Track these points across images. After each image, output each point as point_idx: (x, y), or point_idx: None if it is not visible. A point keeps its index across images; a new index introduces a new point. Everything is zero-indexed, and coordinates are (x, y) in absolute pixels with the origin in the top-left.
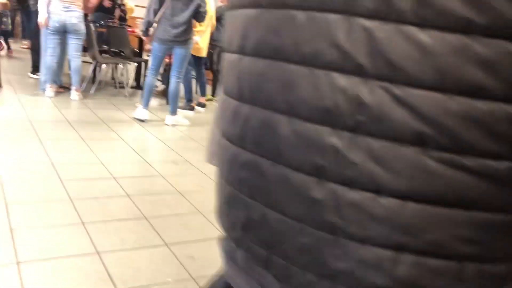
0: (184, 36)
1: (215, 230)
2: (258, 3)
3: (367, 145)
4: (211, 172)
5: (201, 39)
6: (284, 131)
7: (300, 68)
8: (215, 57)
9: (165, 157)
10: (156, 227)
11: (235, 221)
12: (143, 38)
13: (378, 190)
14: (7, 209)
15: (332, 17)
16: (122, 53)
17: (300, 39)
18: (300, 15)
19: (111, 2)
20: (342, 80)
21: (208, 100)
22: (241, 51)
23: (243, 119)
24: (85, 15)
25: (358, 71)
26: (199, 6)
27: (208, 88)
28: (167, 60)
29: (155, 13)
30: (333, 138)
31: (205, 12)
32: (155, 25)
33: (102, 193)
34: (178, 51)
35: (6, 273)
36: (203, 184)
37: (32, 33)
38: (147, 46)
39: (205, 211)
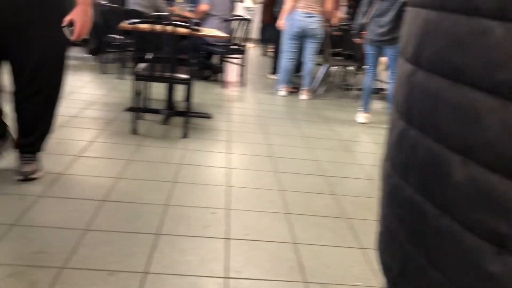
0: (390, 35)
1: None
2: (441, 5)
3: None
4: None
5: None
6: (456, 175)
7: (489, 98)
8: None
9: (379, 161)
10: (355, 229)
11: (392, 264)
12: (355, 40)
13: None
14: (229, 192)
15: None
16: (353, 56)
17: (494, 60)
18: (499, 28)
19: None
20: None
21: None
22: (416, 62)
23: (410, 146)
24: (327, 20)
25: None
26: (404, 4)
27: None
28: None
29: (364, 15)
30: None
31: None
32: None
33: (309, 188)
34: (389, 52)
35: (217, 246)
36: None
37: (274, 38)
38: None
39: None
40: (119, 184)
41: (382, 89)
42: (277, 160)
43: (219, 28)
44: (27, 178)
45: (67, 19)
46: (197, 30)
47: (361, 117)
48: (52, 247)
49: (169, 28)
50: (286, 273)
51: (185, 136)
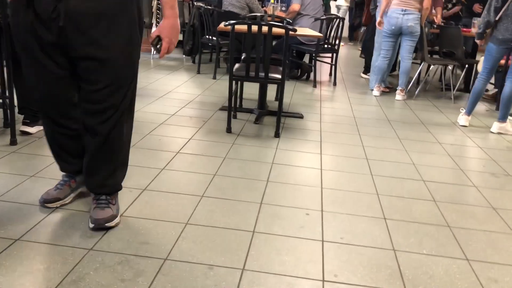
0: None
1: None
2: None
3: None
4: None
5: None
6: None
7: None
8: None
9: (483, 167)
10: (459, 239)
11: None
12: (477, 41)
13: None
14: (322, 193)
15: None
16: (453, 54)
17: None
18: None
19: (481, 7)
20: None
21: None
22: None
23: None
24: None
25: None
26: None
27: None
28: (502, 61)
29: (496, 12)
30: None
31: None
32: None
33: (408, 194)
34: None
35: (312, 247)
36: None
37: (367, 35)
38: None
39: None
40: (216, 181)
41: (485, 90)
42: (372, 162)
43: (311, 27)
44: (101, 227)
45: (153, 34)
46: (293, 30)
47: (463, 119)
48: (156, 238)
49: (265, 29)
50: (385, 280)
51: (277, 135)
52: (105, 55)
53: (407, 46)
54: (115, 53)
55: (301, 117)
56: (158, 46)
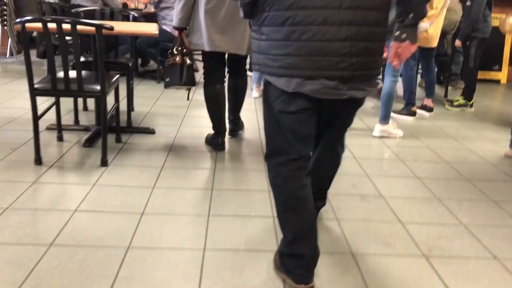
0: None
1: None
2: None
3: None
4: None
5: (431, 26)
6: None
7: None
8: (472, 51)
9: (349, 188)
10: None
11: None
12: None
13: None
14: (124, 257)
15: None
16: None
17: None
18: None
19: None
20: None
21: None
22: None
23: None
24: None
25: None
26: None
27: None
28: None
29: None
30: None
31: None
32: None
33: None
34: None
35: None
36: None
37: None
38: None
39: None
40: None
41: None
42: (216, 198)
43: None
44: None
45: None
46: (110, 29)
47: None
48: None
49: (66, 27)
50: None
51: (104, 163)
52: None
53: None
54: None
55: (152, 132)
56: None
